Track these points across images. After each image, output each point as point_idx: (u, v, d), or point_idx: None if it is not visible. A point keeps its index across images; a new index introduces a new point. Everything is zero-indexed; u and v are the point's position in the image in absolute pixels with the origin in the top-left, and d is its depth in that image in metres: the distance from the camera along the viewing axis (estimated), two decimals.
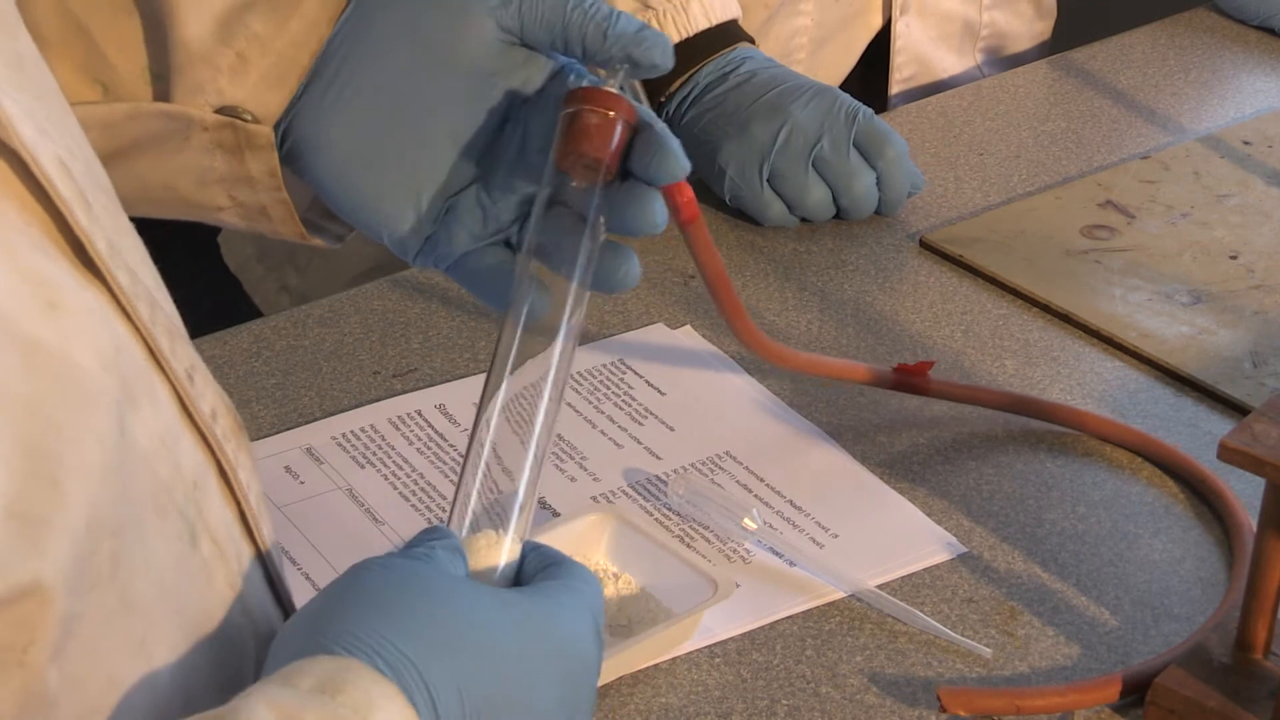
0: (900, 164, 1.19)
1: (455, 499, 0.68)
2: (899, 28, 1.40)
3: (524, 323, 0.70)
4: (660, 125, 0.73)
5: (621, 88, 0.73)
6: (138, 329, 0.57)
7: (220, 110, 0.76)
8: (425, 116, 0.75)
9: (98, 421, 0.53)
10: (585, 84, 0.73)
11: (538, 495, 0.69)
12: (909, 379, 1.03)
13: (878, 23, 1.40)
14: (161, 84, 0.76)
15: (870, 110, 1.20)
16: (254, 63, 0.76)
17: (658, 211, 0.74)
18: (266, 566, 0.64)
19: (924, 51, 1.42)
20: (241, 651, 0.61)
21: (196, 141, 0.76)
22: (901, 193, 1.20)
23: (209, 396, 0.60)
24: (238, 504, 0.62)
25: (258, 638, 0.62)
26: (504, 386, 0.69)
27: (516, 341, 0.70)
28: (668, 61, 0.73)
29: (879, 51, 1.41)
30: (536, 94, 0.75)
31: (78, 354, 0.53)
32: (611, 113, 0.72)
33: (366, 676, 0.55)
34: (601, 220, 0.72)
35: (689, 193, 0.79)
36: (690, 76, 1.22)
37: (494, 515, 0.67)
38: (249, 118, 0.76)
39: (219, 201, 0.78)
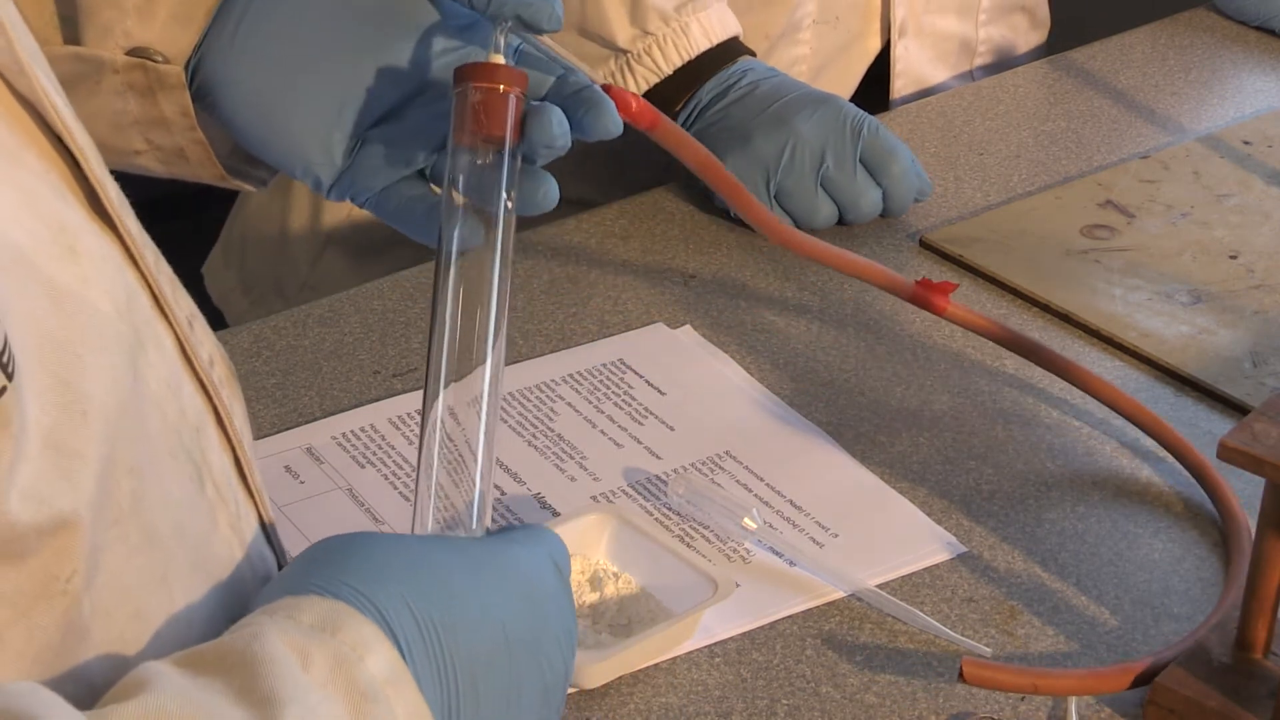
0: (905, 180, 1.18)
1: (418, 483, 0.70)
2: (898, 50, 1.39)
3: (456, 259, 0.71)
4: (582, 88, 0.74)
5: (519, 50, 0.73)
6: (144, 276, 0.59)
7: (130, 52, 0.76)
8: (332, 53, 0.76)
9: (115, 362, 0.54)
10: (472, 61, 0.73)
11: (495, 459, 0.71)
12: (927, 295, 1.00)
13: (876, 47, 1.40)
14: (70, 28, 0.76)
15: (875, 121, 1.19)
16: (161, 2, 0.76)
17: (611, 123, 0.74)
18: (260, 514, 0.65)
19: (922, 72, 1.42)
20: (246, 594, 0.62)
21: (108, 84, 0.77)
22: (906, 203, 1.20)
23: (207, 344, 0.62)
24: (233, 450, 0.63)
25: (257, 583, 0.63)
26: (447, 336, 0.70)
27: (451, 290, 0.71)
28: (555, 24, 0.73)
29: (878, 71, 1.41)
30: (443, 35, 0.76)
31: (96, 298, 0.54)
32: (501, 87, 0.71)
33: (357, 618, 0.56)
34: (515, 179, 0.72)
35: (637, 101, 0.78)
36: (693, 94, 1.22)
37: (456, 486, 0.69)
38: (159, 58, 0.76)
39: (135, 145, 0.79)
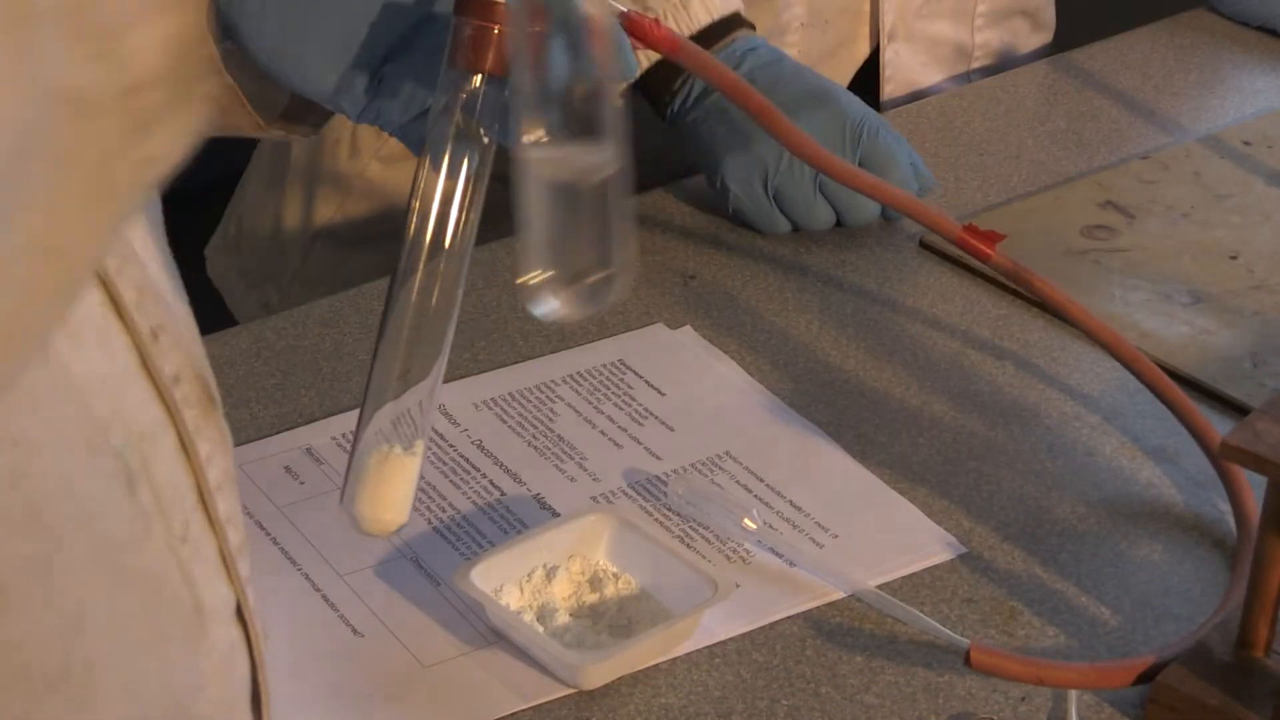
0: (904, 185, 1.17)
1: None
2: (888, 55, 1.39)
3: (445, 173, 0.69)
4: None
5: None
6: (99, 276, 0.56)
7: None
8: None
9: None
10: None
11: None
12: (974, 241, 0.99)
13: (865, 51, 1.39)
14: None
15: (876, 123, 1.18)
16: None
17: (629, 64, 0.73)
18: (221, 548, 0.62)
19: (914, 76, 1.42)
20: (180, 616, 0.60)
21: None
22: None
23: (175, 360, 0.59)
24: (195, 475, 0.60)
25: (200, 610, 0.61)
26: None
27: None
28: None
29: (870, 72, 1.41)
30: None
31: None
32: (494, 26, 0.71)
33: None
34: (498, 114, 0.71)
35: (657, 28, 0.77)
36: (690, 76, 1.22)
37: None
38: None
39: None
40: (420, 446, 0.69)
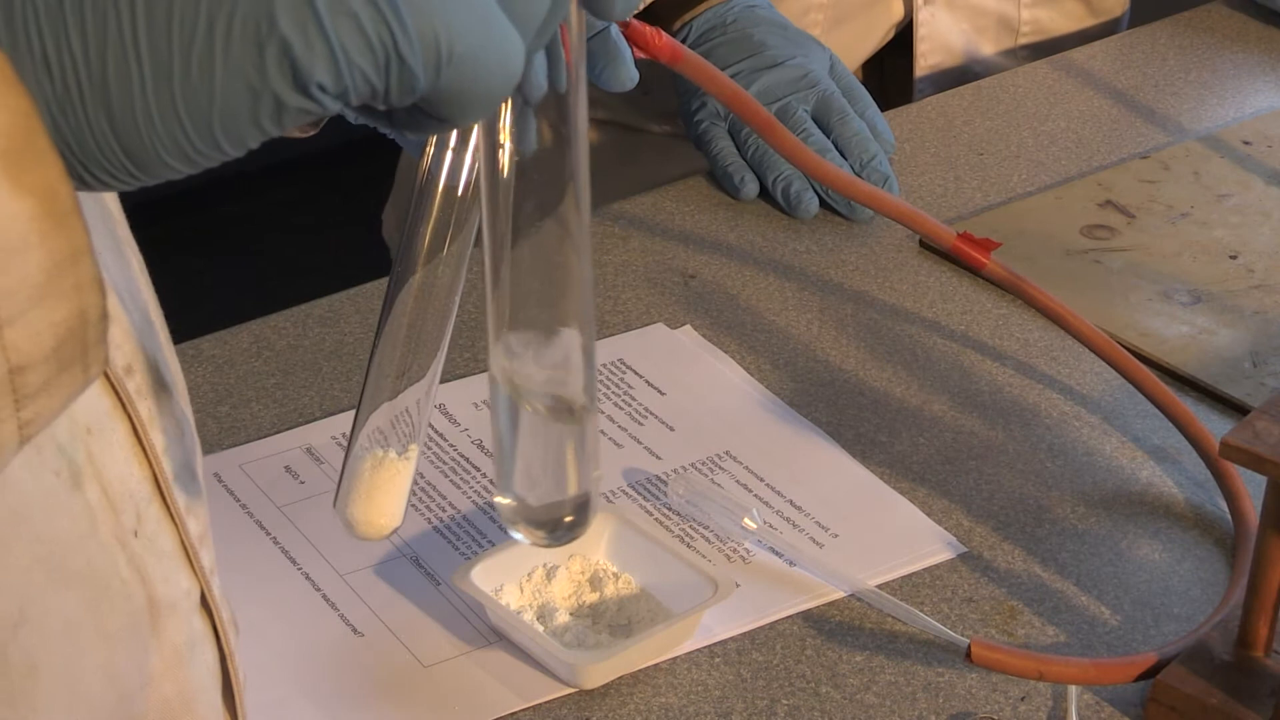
0: (876, 162, 1.20)
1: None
2: (922, 16, 1.40)
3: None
4: (609, 33, 0.72)
5: None
6: None
7: None
8: None
9: None
10: None
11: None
12: (968, 250, 0.99)
13: (900, 12, 1.40)
14: None
15: (832, 87, 1.22)
16: None
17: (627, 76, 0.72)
18: (182, 539, 0.61)
19: (952, 41, 1.42)
20: (129, 612, 0.58)
21: None
22: (870, 154, 1.20)
23: (127, 351, 0.58)
24: (151, 466, 0.59)
25: (153, 603, 0.59)
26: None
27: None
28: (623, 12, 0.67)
29: (907, 36, 1.41)
30: None
31: None
32: None
33: None
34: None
35: (658, 36, 0.77)
36: (687, 25, 1.24)
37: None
38: None
39: None
40: (414, 450, 0.68)
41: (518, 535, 0.61)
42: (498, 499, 0.61)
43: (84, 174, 0.42)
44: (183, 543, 0.60)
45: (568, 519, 0.61)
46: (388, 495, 0.67)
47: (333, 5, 0.41)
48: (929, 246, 1.18)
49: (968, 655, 0.83)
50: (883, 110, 1.27)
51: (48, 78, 0.41)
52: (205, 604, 0.62)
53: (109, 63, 0.41)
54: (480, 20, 0.43)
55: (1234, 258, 1.17)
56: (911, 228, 1.00)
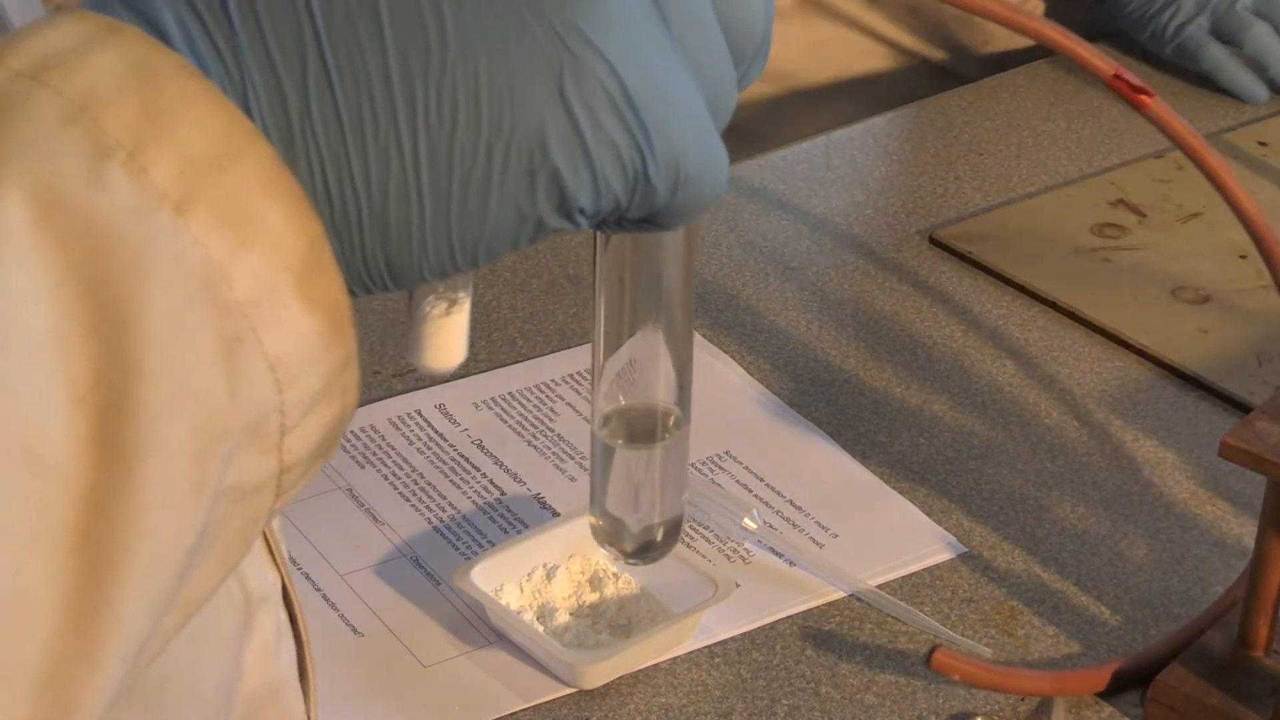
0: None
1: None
2: None
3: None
4: None
5: None
6: None
7: None
8: None
9: None
10: None
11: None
12: (1127, 90, 0.93)
13: None
14: None
15: None
16: None
17: None
18: (266, 534, 0.62)
19: None
20: (234, 609, 0.59)
21: None
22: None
23: None
24: None
25: (249, 600, 0.60)
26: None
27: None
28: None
29: None
30: None
31: None
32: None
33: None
34: None
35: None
36: None
37: None
38: None
39: None
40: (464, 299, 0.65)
41: (608, 553, 0.62)
42: (591, 519, 0.61)
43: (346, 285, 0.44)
44: (267, 538, 0.62)
45: (658, 539, 0.61)
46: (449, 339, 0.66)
47: (597, 134, 0.44)
48: (938, 242, 1.18)
49: (927, 661, 0.83)
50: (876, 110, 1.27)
51: (327, 206, 0.43)
52: (285, 595, 0.63)
53: (390, 194, 0.43)
54: (704, 139, 0.46)
55: (1244, 258, 1.17)
56: (1064, 51, 0.89)
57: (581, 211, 0.45)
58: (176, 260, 0.40)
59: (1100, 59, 0.89)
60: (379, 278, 0.45)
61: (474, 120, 0.43)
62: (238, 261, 0.40)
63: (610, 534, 0.62)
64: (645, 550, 0.63)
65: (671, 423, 0.60)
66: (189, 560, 0.42)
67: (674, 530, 0.62)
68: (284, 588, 0.63)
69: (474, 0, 0.43)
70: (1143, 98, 0.90)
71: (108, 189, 0.39)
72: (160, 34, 0.42)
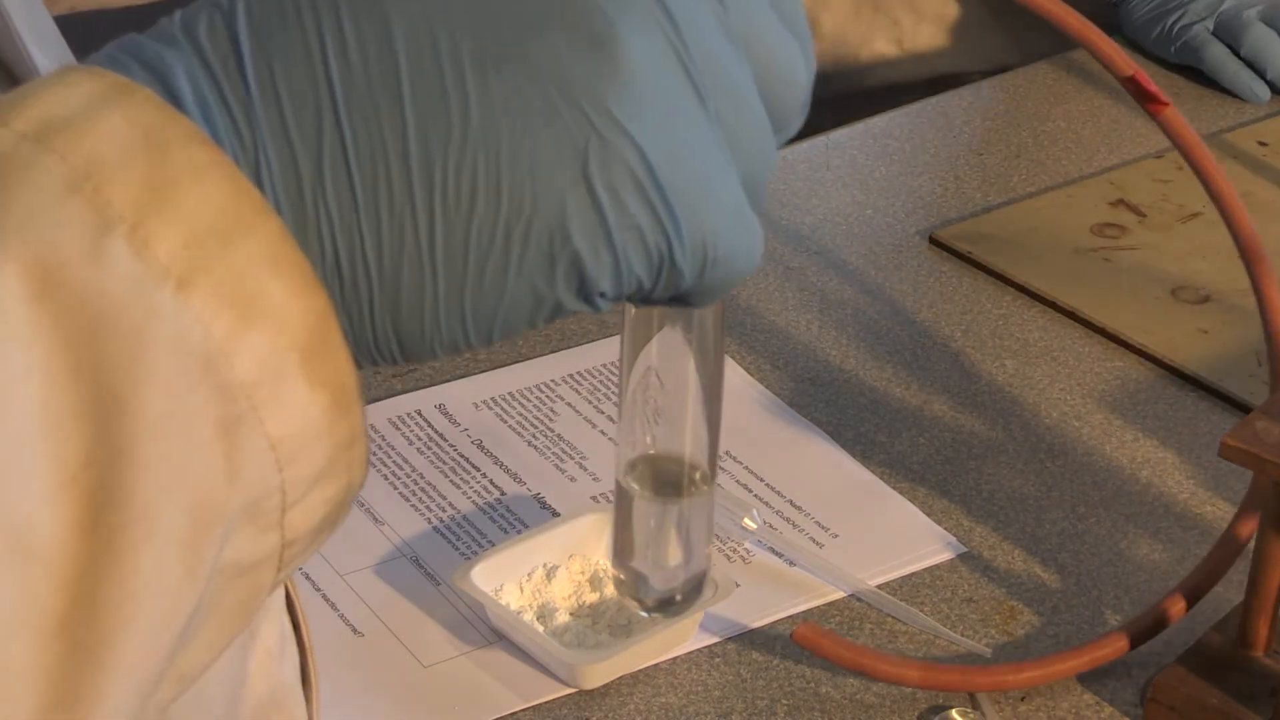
0: None
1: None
2: None
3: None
4: None
5: None
6: None
7: None
8: None
9: None
10: None
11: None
12: (1144, 93, 0.92)
13: None
14: None
15: None
16: None
17: None
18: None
19: None
20: None
21: None
22: None
23: None
24: None
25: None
26: None
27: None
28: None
29: None
30: None
31: None
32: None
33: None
34: None
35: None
36: None
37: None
38: None
39: None
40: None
41: (630, 605, 0.61)
42: (613, 571, 0.61)
43: (354, 359, 0.43)
44: None
45: (680, 596, 0.61)
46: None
47: (620, 219, 0.42)
48: (938, 242, 1.18)
49: (792, 636, 0.83)
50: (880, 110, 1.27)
51: (337, 280, 0.42)
52: (288, 602, 0.63)
53: (403, 271, 0.42)
54: (736, 218, 0.44)
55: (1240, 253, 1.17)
56: (1086, 47, 0.89)
57: (603, 295, 0.43)
58: (177, 340, 0.39)
59: (1122, 57, 0.89)
60: (389, 352, 0.43)
61: (493, 200, 0.41)
62: (240, 341, 0.39)
63: (631, 587, 0.62)
64: (666, 605, 0.63)
65: (699, 476, 0.59)
66: (181, 639, 0.41)
67: (697, 587, 0.62)
68: (288, 595, 0.63)
69: (500, 77, 0.41)
70: (1158, 106, 0.89)
71: (108, 263, 0.38)
72: (173, 95, 0.41)
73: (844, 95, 1.49)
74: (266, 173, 0.41)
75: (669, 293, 0.45)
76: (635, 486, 0.59)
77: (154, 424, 0.38)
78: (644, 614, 0.62)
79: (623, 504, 0.59)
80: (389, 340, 0.43)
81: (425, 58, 0.41)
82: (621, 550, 0.60)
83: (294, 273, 0.40)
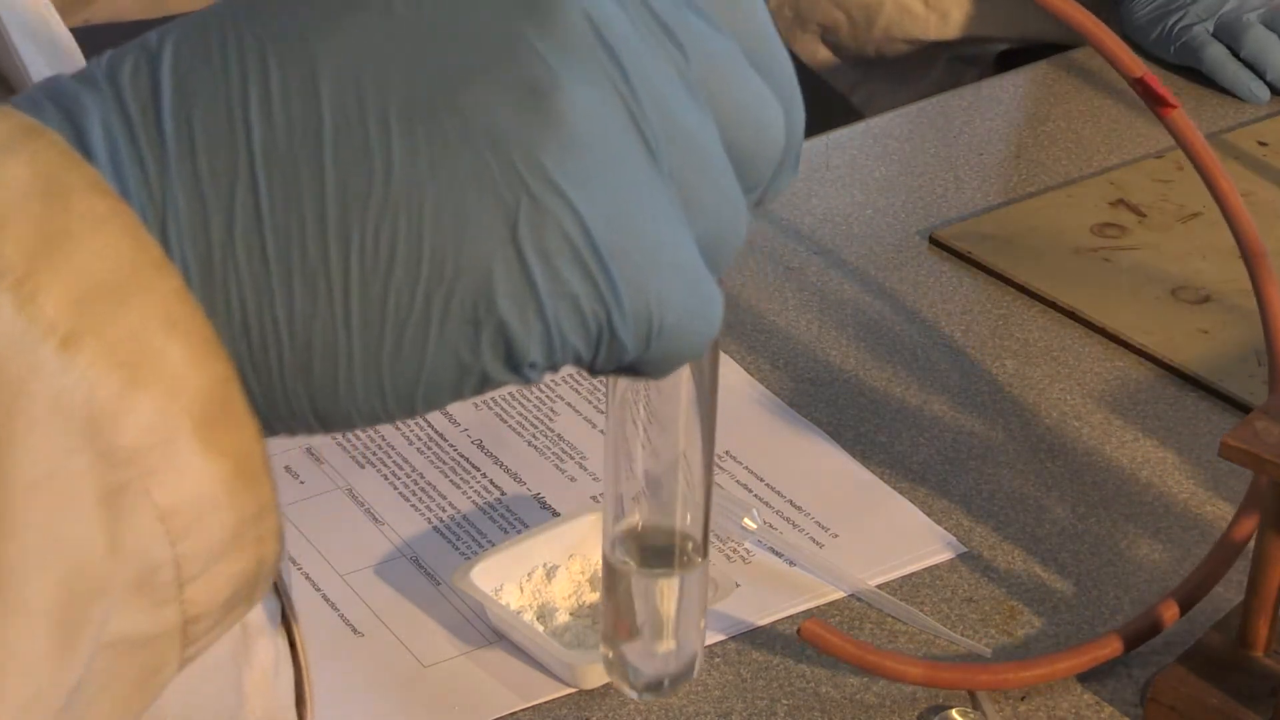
0: None
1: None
2: None
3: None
4: None
5: None
6: None
7: None
8: None
9: None
10: None
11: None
12: (1152, 95, 0.92)
13: None
14: None
15: None
16: None
17: None
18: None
19: None
20: (230, 637, 0.59)
21: None
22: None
23: None
24: None
25: (246, 629, 0.60)
26: None
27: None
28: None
29: None
30: None
31: None
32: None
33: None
34: None
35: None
36: None
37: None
38: None
39: None
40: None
41: (620, 686, 0.60)
42: (602, 649, 0.59)
43: (267, 426, 0.41)
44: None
45: (670, 678, 0.59)
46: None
47: (552, 286, 0.39)
48: (938, 242, 1.18)
49: (799, 632, 0.83)
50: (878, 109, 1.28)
51: (245, 340, 0.39)
52: (284, 621, 0.62)
53: (315, 334, 0.39)
54: (689, 285, 0.41)
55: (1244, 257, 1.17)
56: (1098, 48, 0.91)
57: (533, 366, 0.40)
58: (58, 399, 0.36)
59: (1131, 58, 0.89)
60: (304, 419, 0.41)
61: (413, 262, 0.39)
62: (128, 403, 0.37)
63: (620, 671, 0.60)
64: (656, 688, 0.61)
65: (690, 548, 0.58)
66: (64, 716, 0.39)
67: (689, 667, 0.60)
68: (284, 615, 0.62)
69: (428, 131, 0.38)
70: (1166, 108, 0.89)
71: None
72: (84, 141, 0.38)
73: (864, 55, 1.50)
74: (175, 226, 0.39)
75: (612, 364, 0.42)
76: (625, 561, 0.57)
77: (27, 490, 0.36)
78: (633, 695, 0.60)
79: (611, 580, 0.57)
80: (303, 407, 0.40)
81: (350, 110, 0.38)
82: (610, 631, 0.58)
83: (192, 334, 0.38)
